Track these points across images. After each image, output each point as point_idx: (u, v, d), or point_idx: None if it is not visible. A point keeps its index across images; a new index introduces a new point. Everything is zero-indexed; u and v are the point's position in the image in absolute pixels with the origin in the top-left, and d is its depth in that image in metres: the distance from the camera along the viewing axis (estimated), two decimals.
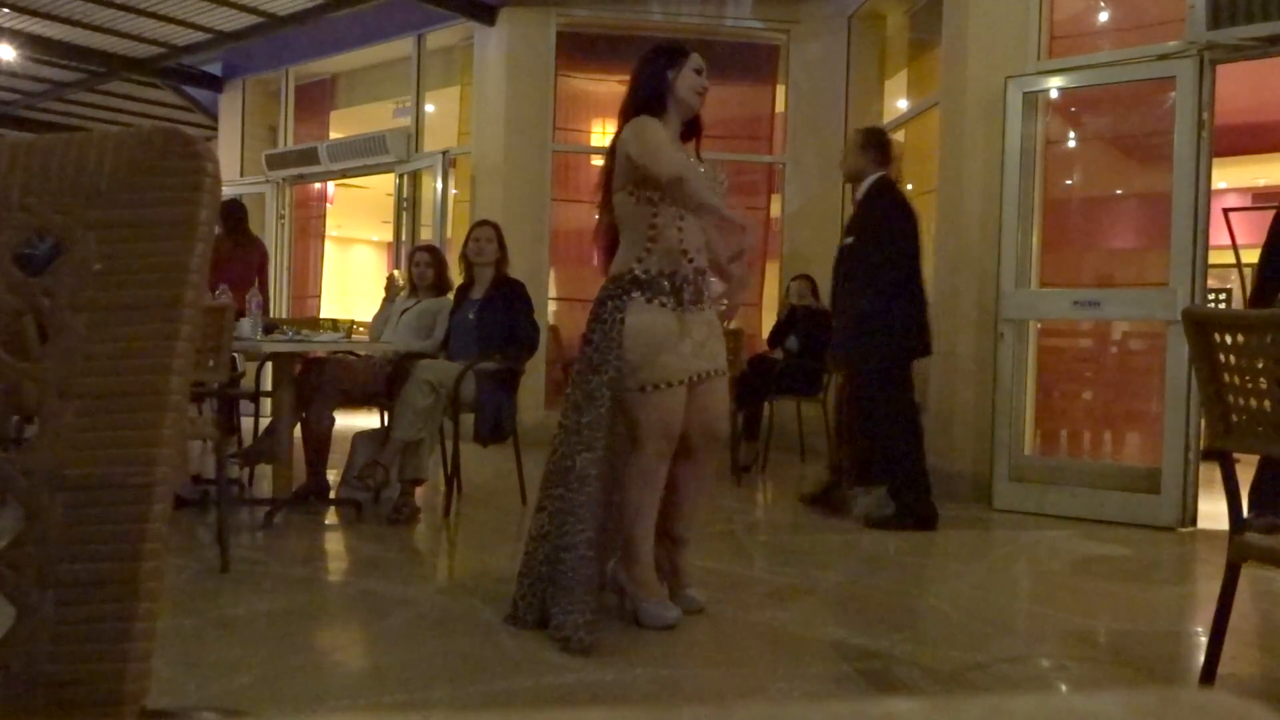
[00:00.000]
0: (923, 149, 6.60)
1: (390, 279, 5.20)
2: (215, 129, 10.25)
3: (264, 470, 5.09)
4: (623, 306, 2.78)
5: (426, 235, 8.16)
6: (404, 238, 8.51)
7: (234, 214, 6.88)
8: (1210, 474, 3.71)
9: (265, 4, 8.08)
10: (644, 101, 2.91)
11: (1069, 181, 5.93)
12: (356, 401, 4.84)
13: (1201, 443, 4.66)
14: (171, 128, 0.72)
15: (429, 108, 8.67)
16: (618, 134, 2.93)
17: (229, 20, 8.42)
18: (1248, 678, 2.63)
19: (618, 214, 2.90)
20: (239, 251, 6.84)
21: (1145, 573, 3.88)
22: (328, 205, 10.65)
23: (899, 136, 7.20)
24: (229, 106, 10.11)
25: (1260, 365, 1.96)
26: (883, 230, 4.39)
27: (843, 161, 4.74)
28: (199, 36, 8.79)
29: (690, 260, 2.85)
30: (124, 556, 0.66)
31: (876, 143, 4.55)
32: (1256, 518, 3.99)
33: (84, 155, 0.71)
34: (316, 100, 9.79)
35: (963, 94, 5.37)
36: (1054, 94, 5.26)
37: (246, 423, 5.69)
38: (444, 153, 8.09)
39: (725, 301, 3.00)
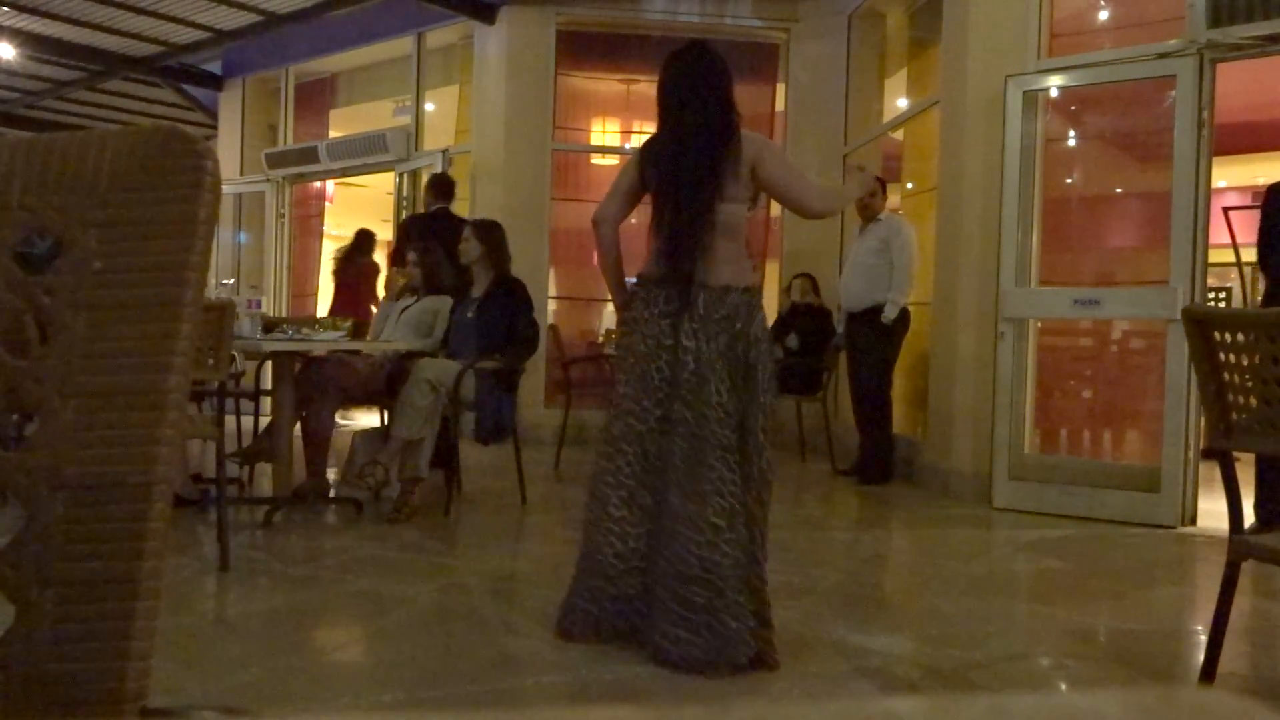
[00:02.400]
0: (923, 148, 6.60)
1: (388, 277, 5.20)
2: (215, 128, 10.25)
3: (264, 469, 5.09)
4: (762, 318, 2.74)
5: None
6: None
7: (368, 240, 8.48)
8: (1210, 473, 3.71)
9: (265, 2, 8.08)
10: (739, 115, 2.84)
11: (1069, 180, 5.93)
12: (357, 401, 4.84)
13: (1201, 442, 4.67)
14: (171, 126, 0.72)
15: (429, 106, 8.67)
16: (725, 146, 2.74)
17: (229, 19, 8.41)
18: (1248, 677, 2.63)
19: (725, 222, 2.73)
20: (362, 269, 8.35)
21: (1145, 572, 3.88)
22: (327, 204, 10.65)
23: (898, 135, 7.20)
24: (229, 105, 10.11)
25: (1260, 364, 1.96)
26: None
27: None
28: (199, 35, 8.79)
29: None
30: (124, 555, 0.65)
31: (439, 185, 6.45)
32: (1262, 528, 3.99)
33: (84, 154, 0.71)
34: (316, 99, 9.79)
35: (963, 92, 5.37)
36: (1054, 93, 5.26)
37: (246, 422, 5.69)
38: (444, 151, 8.09)
39: None
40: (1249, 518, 3.42)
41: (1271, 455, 3.86)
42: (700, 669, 2.47)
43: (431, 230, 5.86)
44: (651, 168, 2.82)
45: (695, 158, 2.74)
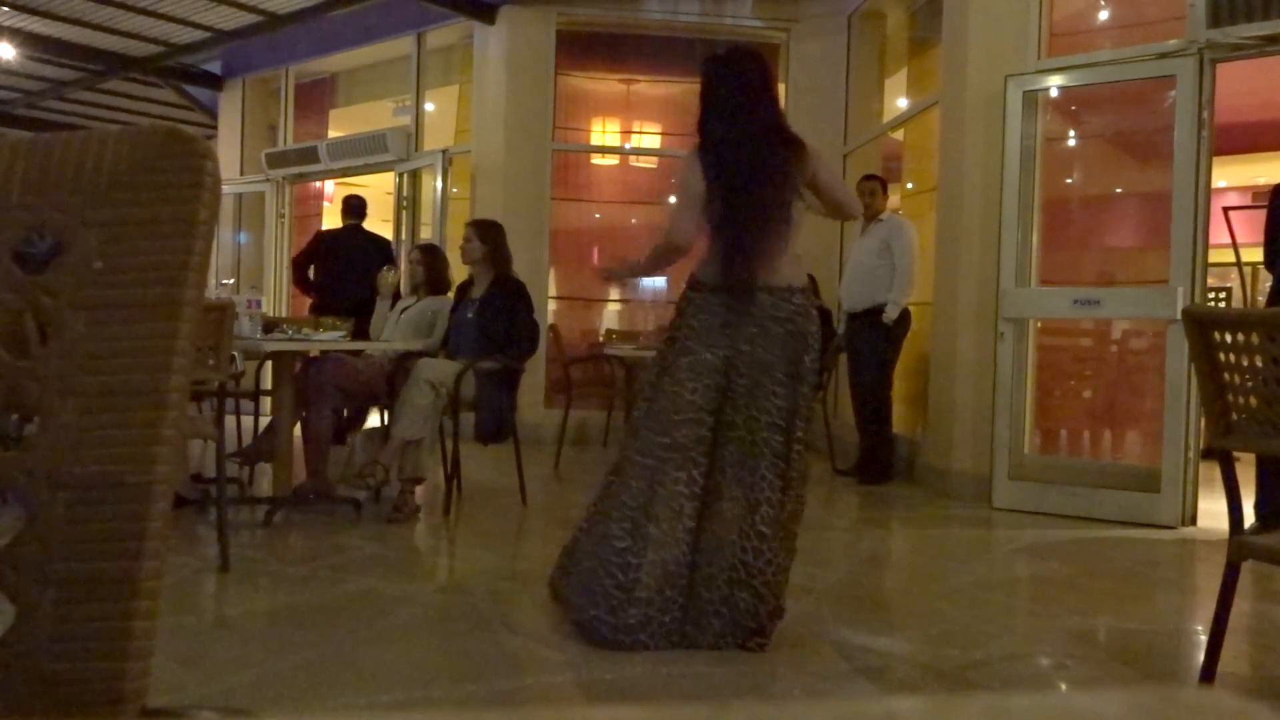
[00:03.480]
0: (923, 148, 6.60)
1: (379, 276, 5.18)
2: (215, 128, 10.25)
3: (264, 469, 5.09)
4: (817, 320, 2.86)
5: (426, 234, 8.16)
6: (403, 236, 8.51)
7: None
8: (1210, 473, 3.71)
9: (265, 2, 8.07)
10: None
11: (1069, 180, 5.93)
12: (357, 401, 4.83)
13: (1201, 442, 4.67)
14: (171, 126, 0.72)
15: (429, 106, 8.67)
16: (796, 149, 2.84)
17: (229, 19, 8.41)
18: (1248, 677, 2.63)
19: (792, 224, 2.87)
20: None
21: (1145, 572, 3.88)
22: (326, 204, 10.64)
23: (898, 135, 7.20)
24: (229, 105, 10.11)
25: (1260, 364, 1.96)
26: None
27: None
28: (199, 35, 8.78)
29: None
30: (124, 555, 0.65)
31: (350, 204, 6.72)
32: (1262, 528, 3.98)
33: (84, 154, 0.71)
34: (316, 99, 9.78)
35: (963, 92, 5.37)
36: (1054, 93, 5.26)
37: (246, 422, 5.69)
38: (444, 151, 8.09)
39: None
40: (1249, 518, 3.42)
41: (1272, 455, 3.86)
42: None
43: (340, 245, 6.62)
44: (724, 171, 2.79)
45: (772, 161, 2.80)
